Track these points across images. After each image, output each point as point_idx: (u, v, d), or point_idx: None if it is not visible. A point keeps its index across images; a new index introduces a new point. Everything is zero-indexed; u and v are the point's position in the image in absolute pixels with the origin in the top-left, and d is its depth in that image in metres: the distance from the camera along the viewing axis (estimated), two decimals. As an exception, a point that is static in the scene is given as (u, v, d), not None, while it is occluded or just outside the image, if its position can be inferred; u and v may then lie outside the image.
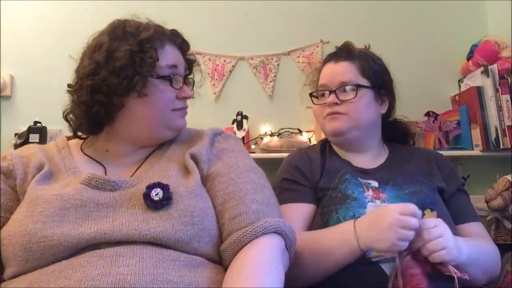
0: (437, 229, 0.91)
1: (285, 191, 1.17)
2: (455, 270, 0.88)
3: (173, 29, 1.02)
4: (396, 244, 0.89)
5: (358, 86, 1.20)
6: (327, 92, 1.24)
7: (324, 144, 1.31)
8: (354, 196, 1.11)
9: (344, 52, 1.26)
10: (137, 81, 0.90)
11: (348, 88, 1.20)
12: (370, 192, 1.12)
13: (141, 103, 0.93)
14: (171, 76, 0.96)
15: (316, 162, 1.23)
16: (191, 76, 1.09)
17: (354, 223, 0.98)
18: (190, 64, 1.07)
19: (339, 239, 0.99)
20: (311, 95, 1.30)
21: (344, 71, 1.23)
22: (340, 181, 1.15)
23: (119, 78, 0.90)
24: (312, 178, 1.19)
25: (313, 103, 1.29)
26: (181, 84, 0.98)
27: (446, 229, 0.93)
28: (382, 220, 0.92)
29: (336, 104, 1.20)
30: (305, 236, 1.04)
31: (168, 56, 0.96)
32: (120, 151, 0.98)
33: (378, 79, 1.25)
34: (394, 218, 0.90)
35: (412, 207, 0.91)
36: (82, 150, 1.00)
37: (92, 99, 0.91)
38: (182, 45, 1.03)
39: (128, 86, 0.91)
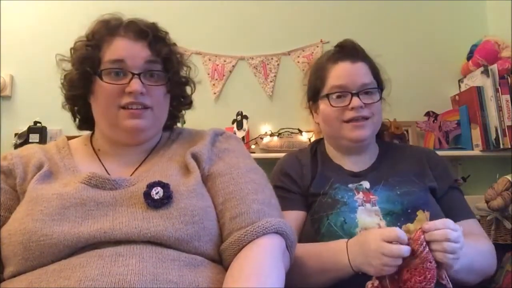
0: (457, 234, 0.88)
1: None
2: (448, 279, 0.88)
3: (131, 20, 0.95)
4: (382, 269, 0.87)
5: (380, 89, 1.18)
6: (347, 94, 1.15)
7: (315, 147, 1.29)
8: (344, 200, 1.10)
9: (360, 52, 1.21)
10: (86, 79, 0.93)
11: (370, 90, 1.16)
12: (361, 196, 1.11)
13: (94, 101, 0.95)
14: (110, 70, 0.91)
15: (307, 166, 1.21)
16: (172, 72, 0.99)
17: (347, 243, 0.97)
18: (166, 58, 0.96)
19: (334, 259, 0.98)
20: (327, 96, 1.18)
21: (364, 72, 1.18)
22: (331, 187, 1.14)
23: (79, 77, 0.94)
24: (302, 184, 1.18)
25: (331, 105, 1.17)
26: (128, 79, 0.91)
27: (462, 238, 0.89)
28: (367, 246, 0.90)
29: (361, 107, 1.14)
30: (305, 249, 1.03)
31: (114, 50, 0.92)
32: (109, 150, 0.98)
33: (380, 78, 1.23)
34: (377, 244, 0.88)
35: (394, 232, 0.87)
36: (91, 144, 1.01)
37: (67, 97, 0.99)
38: (141, 36, 0.93)
39: (82, 85, 0.94)
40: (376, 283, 0.89)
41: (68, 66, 0.98)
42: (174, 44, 1.01)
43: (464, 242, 0.89)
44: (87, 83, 0.93)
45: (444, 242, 0.85)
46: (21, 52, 2.04)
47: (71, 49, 0.97)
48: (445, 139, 2.04)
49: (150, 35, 0.93)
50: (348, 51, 1.21)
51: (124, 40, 0.93)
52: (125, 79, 0.91)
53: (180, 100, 1.05)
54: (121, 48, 0.92)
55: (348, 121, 1.16)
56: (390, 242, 0.87)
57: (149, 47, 0.93)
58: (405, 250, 0.86)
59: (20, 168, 0.92)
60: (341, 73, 1.18)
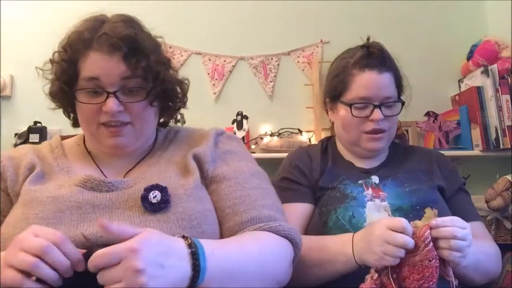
0: (465, 232, 0.87)
1: (285, 190, 1.16)
2: (453, 276, 0.88)
3: (104, 32, 0.88)
4: (383, 258, 0.86)
5: (402, 102, 1.19)
6: (369, 106, 1.16)
7: (326, 143, 1.30)
8: (353, 195, 1.11)
9: (387, 59, 1.19)
10: (66, 94, 0.91)
11: (391, 103, 1.17)
12: (370, 191, 1.12)
13: (77, 111, 0.93)
14: (86, 89, 0.88)
15: (317, 161, 1.22)
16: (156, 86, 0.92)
17: (353, 236, 0.98)
18: (147, 71, 0.88)
19: (339, 250, 0.98)
20: (351, 105, 1.16)
21: (388, 84, 1.17)
22: (340, 182, 1.15)
23: (58, 92, 0.94)
24: (311, 177, 1.19)
25: (352, 114, 1.17)
26: (105, 97, 0.87)
27: (471, 236, 0.89)
28: (371, 233, 0.90)
29: (381, 120, 1.15)
30: (310, 240, 1.03)
31: (89, 66, 0.88)
32: (101, 153, 0.97)
33: (402, 85, 1.24)
34: (381, 231, 0.87)
35: (400, 222, 0.87)
36: (85, 144, 1.00)
37: (55, 100, 0.98)
38: (115, 48, 0.87)
39: (63, 100, 0.94)
40: (376, 276, 0.88)
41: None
42: (159, 46, 0.95)
43: (472, 240, 0.88)
44: (67, 97, 0.92)
45: (451, 240, 0.85)
46: (21, 52, 2.03)
47: (50, 59, 0.95)
48: (445, 139, 2.04)
49: (124, 48, 0.86)
50: (376, 57, 1.18)
51: (98, 55, 0.87)
52: (102, 97, 0.87)
53: (171, 101, 0.99)
54: (95, 65, 0.87)
55: (367, 133, 1.17)
56: (395, 231, 0.87)
57: (125, 60, 0.87)
58: (409, 241, 0.85)
59: (11, 170, 0.91)
60: (367, 83, 1.16)
